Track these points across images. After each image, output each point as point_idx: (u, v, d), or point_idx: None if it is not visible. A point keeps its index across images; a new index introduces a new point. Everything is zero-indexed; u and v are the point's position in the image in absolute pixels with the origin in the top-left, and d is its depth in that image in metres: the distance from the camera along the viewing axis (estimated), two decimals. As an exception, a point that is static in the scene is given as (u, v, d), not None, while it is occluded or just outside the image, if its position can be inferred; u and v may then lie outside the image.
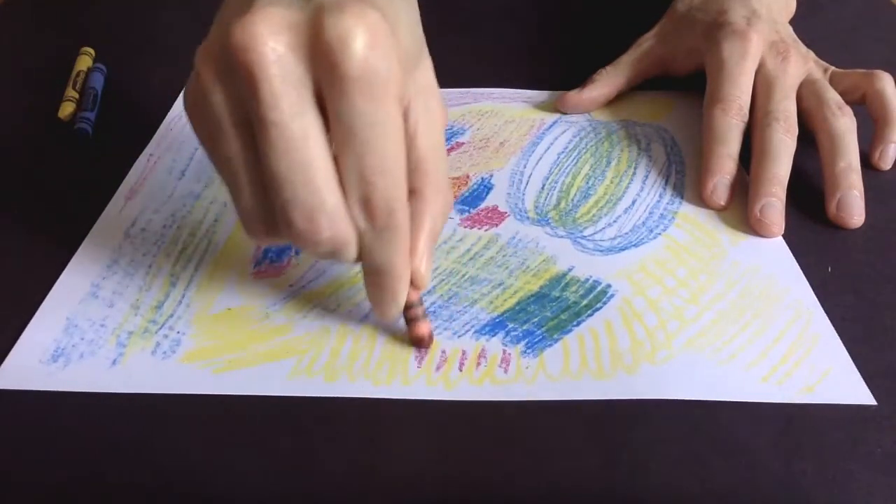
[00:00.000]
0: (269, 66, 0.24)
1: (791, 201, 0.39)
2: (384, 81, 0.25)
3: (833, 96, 0.42)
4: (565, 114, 0.47)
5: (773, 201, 0.38)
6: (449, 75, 0.49)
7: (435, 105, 0.30)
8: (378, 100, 0.25)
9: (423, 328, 0.32)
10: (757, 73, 0.43)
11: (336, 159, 0.26)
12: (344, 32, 0.24)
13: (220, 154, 0.27)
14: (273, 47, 0.24)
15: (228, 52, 0.24)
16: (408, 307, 0.31)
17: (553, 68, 0.50)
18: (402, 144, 0.26)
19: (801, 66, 0.43)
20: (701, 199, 0.40)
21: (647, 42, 0.49)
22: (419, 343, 0.32)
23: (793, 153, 0.40)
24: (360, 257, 0.28)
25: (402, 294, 0.30)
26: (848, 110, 0.41)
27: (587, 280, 0.36)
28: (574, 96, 0.47)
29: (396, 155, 0.26)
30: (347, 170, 0.26)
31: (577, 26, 0.57)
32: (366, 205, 0.26)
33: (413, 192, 0.29)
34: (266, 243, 0.27)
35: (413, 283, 0.30)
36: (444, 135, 0.31)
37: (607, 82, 0.47)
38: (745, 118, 0.42)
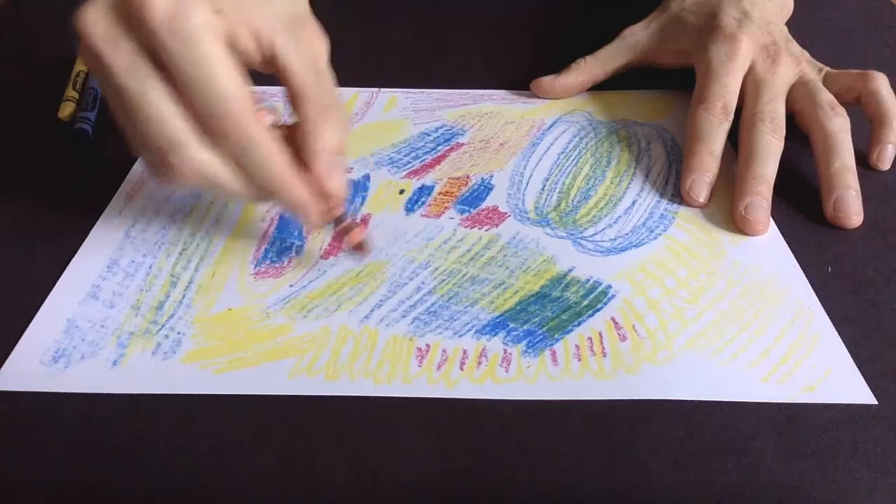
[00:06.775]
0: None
1: (791, 202, 0.39)
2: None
3: (826, 97, 0.42)
4: (539, 97, 0.48)
5: (758, 200, 0.38)
6: (449, 77, 0.50)
7: (307, 35, 0.33)
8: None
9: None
10: (747, 75, 0.43)
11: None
12: None
13: None
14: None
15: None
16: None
17: (552, 69, 0.50)
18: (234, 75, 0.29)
19: (791, 68, 0.43)
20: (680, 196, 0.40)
21: (632, 36, 0.49)
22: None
23: (779, 154, 0.40)
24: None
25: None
26: (841, 110, 0.41)
27: (588, 280, 0.36)
28: (547, 82, 0.48)
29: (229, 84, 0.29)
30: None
31: (577, 27, 0.57)
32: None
33: (302, 119, 0.32)
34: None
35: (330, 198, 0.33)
36: (324, 59, 0.33)
37: (584, 71, 0.48)
38: (730, 117, 0.42)
